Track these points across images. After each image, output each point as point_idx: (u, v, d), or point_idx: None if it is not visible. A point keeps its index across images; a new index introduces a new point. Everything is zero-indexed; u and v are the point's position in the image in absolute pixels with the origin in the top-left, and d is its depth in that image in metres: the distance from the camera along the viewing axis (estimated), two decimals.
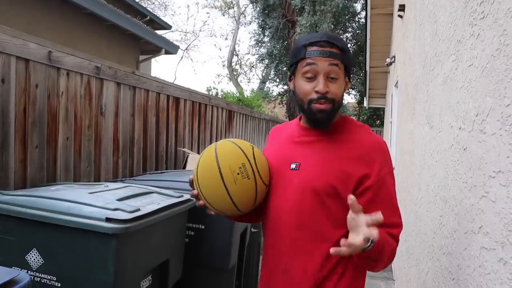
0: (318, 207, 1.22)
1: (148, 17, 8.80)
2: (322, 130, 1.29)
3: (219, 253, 2.45)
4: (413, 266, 2.50)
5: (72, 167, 2.55)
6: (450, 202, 1.53)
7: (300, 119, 1.40)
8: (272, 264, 1.33)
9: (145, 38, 7.28)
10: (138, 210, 1.71)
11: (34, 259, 1.64)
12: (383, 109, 13.46)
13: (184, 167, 3.87)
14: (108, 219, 1.57)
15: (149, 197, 2.03)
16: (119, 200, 1.81)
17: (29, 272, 1.63)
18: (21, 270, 1.59)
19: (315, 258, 1.23)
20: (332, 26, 13.40)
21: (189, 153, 3.99)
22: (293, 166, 1.29)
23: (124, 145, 3.13)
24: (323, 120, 1.23)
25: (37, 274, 1.63)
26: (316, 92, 1.17)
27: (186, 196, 2.22)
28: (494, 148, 1.05)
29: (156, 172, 3.28)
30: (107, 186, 2.08)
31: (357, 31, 17.27)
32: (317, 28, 11.99)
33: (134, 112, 3.25)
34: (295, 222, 1.25)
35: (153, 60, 9.69)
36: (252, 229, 3.03)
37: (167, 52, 8.37)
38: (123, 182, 2.46)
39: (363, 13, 16.31)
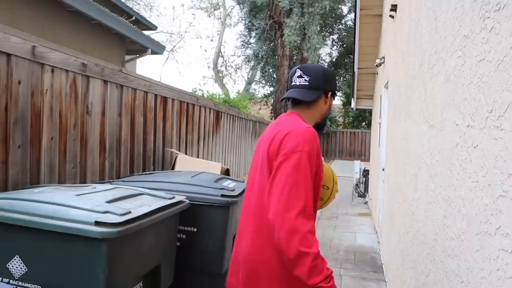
0: None
1: (134, 18, 8.62)
2: None
3: (212, 257, 2.36)
4: (410, 268, 2.45)
5: (57, 169, 2.42)
6: (456, 202, 1.48)
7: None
8: None
9: (132, 37, 7.13)
10: (129, 212, 1.61)
11: (17, 267, 1.53)
12: (369, 111, 13.50)
13: (172, 168, 3.76)
14: (97, 223, 1.47)
15: (139, 199, 1.93)
16: (109, 202, 1.71)
17: (10, 281, 1.52)
18: (1, 280, 1.48)
19: None
20: (319, 28, 13.44)
21: (177, 153, 3.88)
22: None
23: (111, 146, 3.02)
24: None
25: (20, 283, 1.52)
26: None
27: (178, 198, 2.13)
28: None
29: (144, 173, 3.17)
30: (95, 187, 1.97)
31: (343, 33, 17.40)
32: (305, 30, 12.00)
33: (121, 112, 3.14)
34: None
35: (138, 61, 9.52)
36: None
37: (153, 52, 8.23)
38: (111, 184, 2.35)
39: (350, 16, 16.48)
